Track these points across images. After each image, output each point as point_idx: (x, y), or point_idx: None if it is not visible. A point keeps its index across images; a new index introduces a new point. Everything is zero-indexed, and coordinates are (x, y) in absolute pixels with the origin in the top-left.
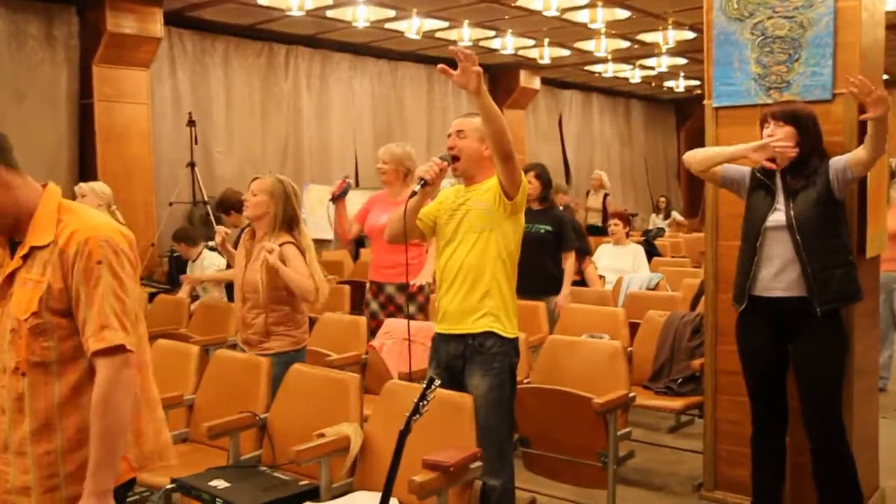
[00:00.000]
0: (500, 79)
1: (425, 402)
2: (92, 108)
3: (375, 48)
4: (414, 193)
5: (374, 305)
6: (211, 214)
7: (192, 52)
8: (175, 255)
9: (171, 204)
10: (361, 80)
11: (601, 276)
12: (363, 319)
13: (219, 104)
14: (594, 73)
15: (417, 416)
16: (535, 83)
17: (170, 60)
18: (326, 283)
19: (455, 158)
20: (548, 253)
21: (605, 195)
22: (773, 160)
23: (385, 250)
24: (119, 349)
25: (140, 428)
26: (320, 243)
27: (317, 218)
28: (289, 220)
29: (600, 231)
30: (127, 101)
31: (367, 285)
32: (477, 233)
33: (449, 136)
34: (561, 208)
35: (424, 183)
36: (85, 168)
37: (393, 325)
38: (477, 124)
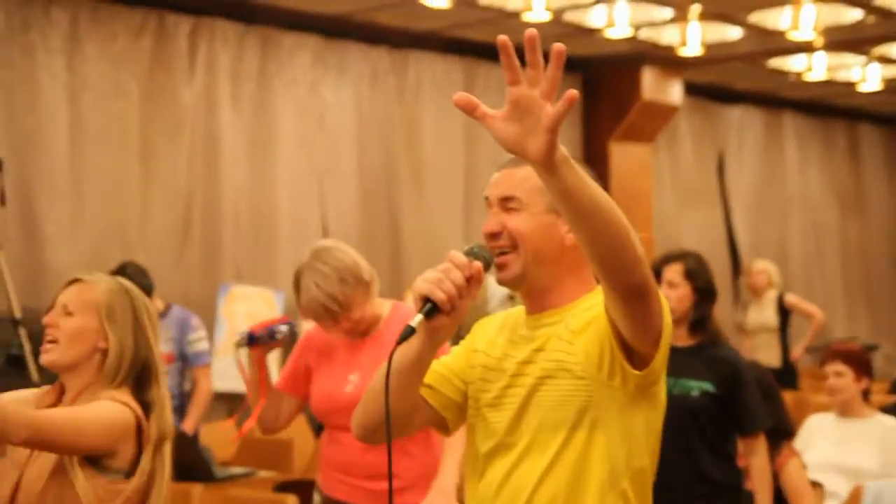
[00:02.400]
0: (604, 84)
1: None
2: None
3: (364, 25)
4: (410, 331)
5: None
6: (26, 346)
7: (5, 24)
8: None
9: None
10: (338, 82)
11: (814, 484)
12: None
13: (56, 126)
14: (787, 73)
15: None
16: (674, 93)
17: None
18: None
19: (503, 255)
20: (703, 436)
21: (780, 297)
22: None
23: (360, 445)
24: None
25: None
26: (232, 401)
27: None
28: (140, 369)
29: (787, 375)
30: None
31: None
32: (564, 431)
33: (487, 202)
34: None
35: (432, 308)
36: None
37: None
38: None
